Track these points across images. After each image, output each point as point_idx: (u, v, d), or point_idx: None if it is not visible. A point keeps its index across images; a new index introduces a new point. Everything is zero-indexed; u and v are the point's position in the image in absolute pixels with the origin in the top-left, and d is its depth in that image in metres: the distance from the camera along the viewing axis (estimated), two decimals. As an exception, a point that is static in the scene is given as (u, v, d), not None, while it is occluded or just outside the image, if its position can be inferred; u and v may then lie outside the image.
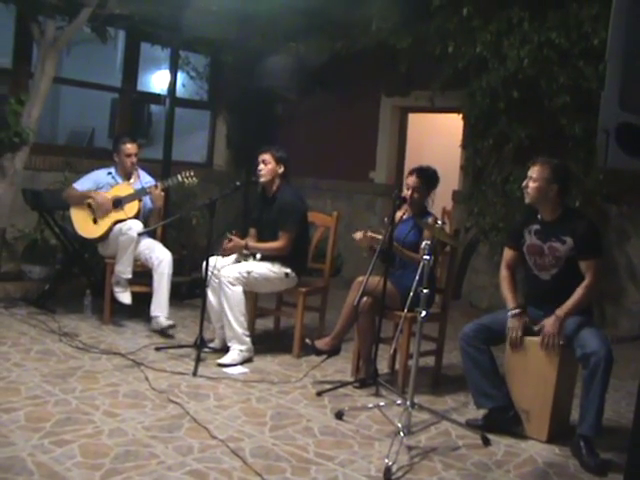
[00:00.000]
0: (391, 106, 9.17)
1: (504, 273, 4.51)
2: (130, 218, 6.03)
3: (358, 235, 4.98)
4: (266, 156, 5.57)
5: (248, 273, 5.34)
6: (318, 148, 9.35)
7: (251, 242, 5.57)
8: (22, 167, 6.78)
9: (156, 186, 6.07)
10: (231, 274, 5.28)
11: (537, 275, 4.37)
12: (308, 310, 5.79)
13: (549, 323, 4.16)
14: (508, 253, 4.56)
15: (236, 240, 5.48)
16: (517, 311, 4.31)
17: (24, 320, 5.99)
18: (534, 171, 4.26)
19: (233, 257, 5.59)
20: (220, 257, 5.48)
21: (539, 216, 4.37)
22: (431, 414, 4.46)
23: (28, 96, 6.75)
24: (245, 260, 5.53)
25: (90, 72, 8.74)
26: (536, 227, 4.37)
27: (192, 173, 6.01)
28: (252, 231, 5.77)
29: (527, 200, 4.32)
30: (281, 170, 5.59)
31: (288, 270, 5.54)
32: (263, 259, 5.52)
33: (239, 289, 5.29)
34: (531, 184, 4.26)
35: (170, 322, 5.88)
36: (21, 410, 4.00)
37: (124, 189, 6.19)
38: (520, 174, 7.02)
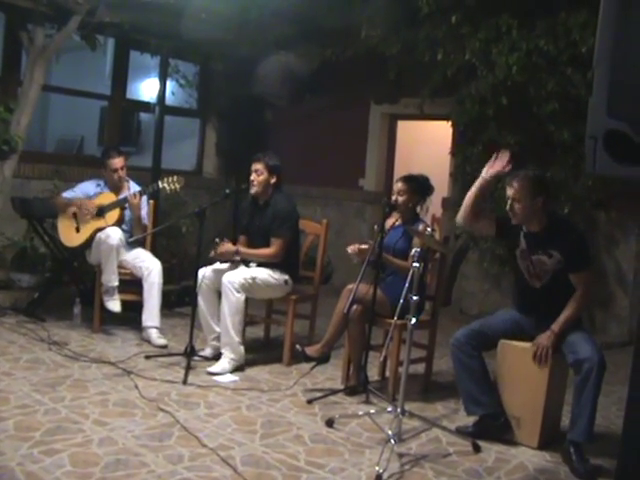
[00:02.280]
0: (380, 113, 9.20)
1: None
2: (110, 226, 6.01)
3: (351, 250, 4.97)
4: (259, 165, 5.53)
5: (253, 279, 5.33)
6: (308, 155, 9.35)
7: (242, 248, 5.55)
8: (11, 175, 6.76)
9: (134, 195, 6.05)
10: (236, 280, 5.24)
11: (528, 282, 4.36)
12: (298, 318, 5.78)
13: (544, 337, 4.16)
14: (490, 221, 4.46)
15: (227, 245, 5.46)
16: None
17: (13, 329, 5.96)
18: (514, 192, 4.16)
19: (227, 264, 5.58)
20: (213, 263, 5.49)
21: (524, 228, 4.32)
22: (421, 421, 4.45)
23: (17, 104, 6.74)
24: (246, 266, 5.50)
25: (79, 80, 8.73)
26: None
27: (175, 178, 5.99)
28: (242, 238, 5.76)
29: (514, 221, 4.24)
30: (273, 180, 5.56)
31: (287, 277, 5.55)
32: (261, 265, 5.50)
33: (242, 297, 5.28)
34: (516, 205, 4.17)
35: (163, 342, 5.85)
36: (10, 419, 3.98)
37: (108, 197, 6.18)
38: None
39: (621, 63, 2.21)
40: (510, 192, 4.20)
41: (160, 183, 6.00)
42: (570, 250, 4.16)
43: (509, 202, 4.22)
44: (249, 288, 5.31)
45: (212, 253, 5.49)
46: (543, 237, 4.24)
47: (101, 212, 6.07)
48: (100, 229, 5.98)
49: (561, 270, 4.19)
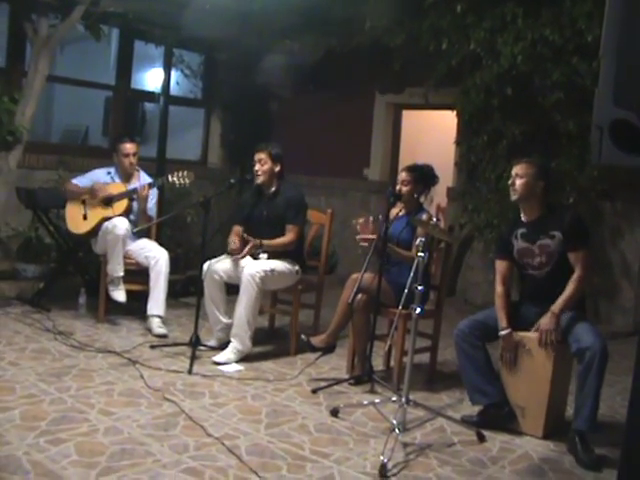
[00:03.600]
0: (385, 103, 9.18)
1: (499, 290, 4.43)
2: (117, 215, 6.01)
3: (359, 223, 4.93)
4: (262, 155, 5.54)
5: (272, 271, 5.34)
6: (312, 145, 9.34)
7: (265, 240, 5.47)
8: (16, 165, 6.77)
9: (144, 187, 6.05)
10: (258, 274, 5.23)
11: (532, 274, 4.38)
12: (303, 307, 5.79)
13: (545, 320, 4.17)
14: (500, 265, 4.52)
15: (252, 240, 5.45)
16: (507, 331, 4.30)
17: (19, 319, 5.97)
18: (520, 168, 4.32)
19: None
20: (223, 255, 5.53)
21: (522, 218, 4.40)
22: (426, 411, 4.46)
23: (22, 94, 6.73)
24: (255, 258, 5.50)
25: (84, 70, 8.73)
26: (522, 231, 4.38)
27: (185, 173, 5.98)
28: (237, 228, 5.68)
29: (514, 197, 4.35)
30: (277, 169, 5.57)
31: (298, 267, 5.58)
32: (272, 256, 5.49)
33: (261, 292, 5.29)
34: (518, 181, 4.30)
35: (163, 331, 5.85)
36: (16, 409, 4.00)
37: (117, 187, 6.18)
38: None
39: (627, 52, 2.20)
40: (515, 169, 4.34)
41: (170, 177, 5.99)
42: (569, 228, 4.22)
43: (512, 178, 4.34)
44: (268, 280, 5.32)
45: (243, 253, 5.42)
46: (543, 222, 4.32)
47: (109, 201, 6.08)
48: (107, 218, 5.98)
49: (564, 252, 4.22)
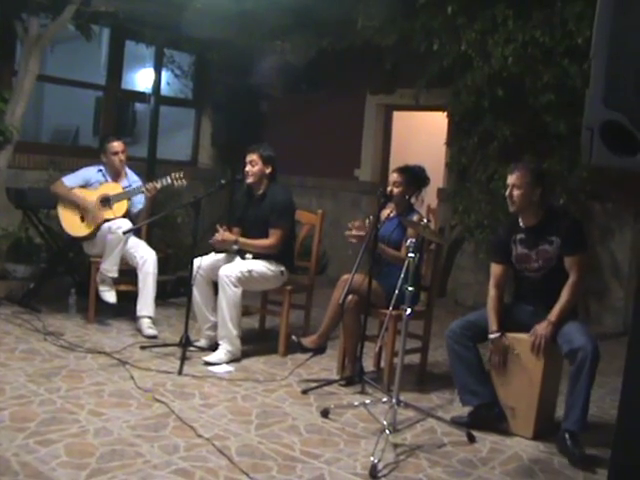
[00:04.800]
0: (376, 104, 9.19)
1: (492, 293, 4.42)
2: (118, 217, 5.99)
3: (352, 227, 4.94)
4: (253, 156, 5.53)
5: (249, 272, 5.33)
6: (303, 146, 9.34)
7: (241, 238, 5.52)
8: (6, 165, 6.75)
9: (154, 186, 6.00)
10: (233, 274, 5.24)
11: (528, 275, 4.38)
12: (293, 308, 5.79)
13: (541, 327, 4.17)
14: (496, 269, 4.50)
15: (226, 235, 5.45)
16: (497, 335, 4.30)
17: (8, 319, 5.95)
18: (515, 178, 4.25)
19: (222, 254, 5.58)
20: (209, 253, 5.50)
21: (521, 223, 4.38)
22: (417, 411, 4.47)
23: (12, 94, 6.71)
24: (242, 258, 5.50)
25: (74, 70, 8.71)
26: (521, 236, 4.37)
27: (182, 175, 5.97)
28: (235, 230, 5.72)
29: (513, 209, 4.31)
30: (268, 170, 5.56)
31: (283, 268, 5.55)
32: (257, 257, 5.49)
33: (239, 290, 5.27)
34: (515, 192, 4.25)
35: (153, 332, 5.83)
36: (6, 410, 3.98)
37: (113, 187, 6.15)
38: (505, 172, 7.06)
39: (618, 54, 2.21)
40: (511, 179, 4.29)
41: (169, 179, 5.97)
42: (567, 233, 4.21)
43: (509, 189, 4.29)
44: (245, 281, 5.30)
45: (212, 240, 5.47)
46: (542, 228, 4.29)
47: (107, 202, 6.05)
48: (107, 220, 5.96)
49: (561, 255, 4.23)
